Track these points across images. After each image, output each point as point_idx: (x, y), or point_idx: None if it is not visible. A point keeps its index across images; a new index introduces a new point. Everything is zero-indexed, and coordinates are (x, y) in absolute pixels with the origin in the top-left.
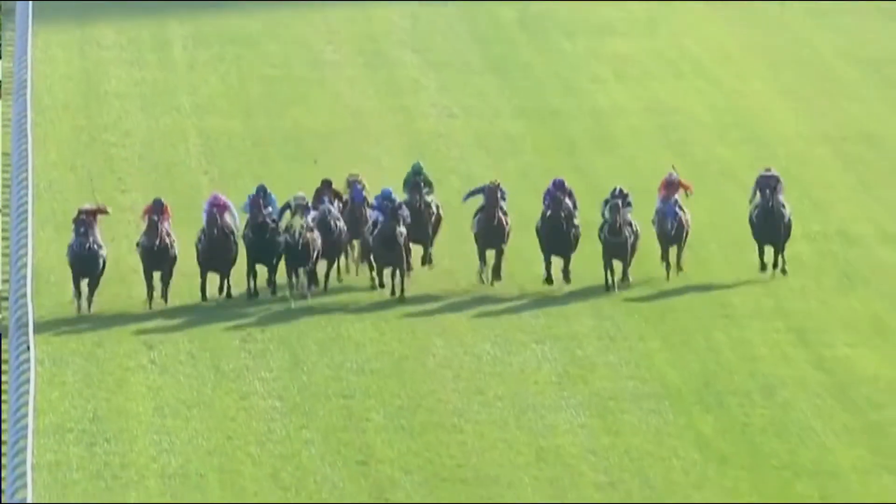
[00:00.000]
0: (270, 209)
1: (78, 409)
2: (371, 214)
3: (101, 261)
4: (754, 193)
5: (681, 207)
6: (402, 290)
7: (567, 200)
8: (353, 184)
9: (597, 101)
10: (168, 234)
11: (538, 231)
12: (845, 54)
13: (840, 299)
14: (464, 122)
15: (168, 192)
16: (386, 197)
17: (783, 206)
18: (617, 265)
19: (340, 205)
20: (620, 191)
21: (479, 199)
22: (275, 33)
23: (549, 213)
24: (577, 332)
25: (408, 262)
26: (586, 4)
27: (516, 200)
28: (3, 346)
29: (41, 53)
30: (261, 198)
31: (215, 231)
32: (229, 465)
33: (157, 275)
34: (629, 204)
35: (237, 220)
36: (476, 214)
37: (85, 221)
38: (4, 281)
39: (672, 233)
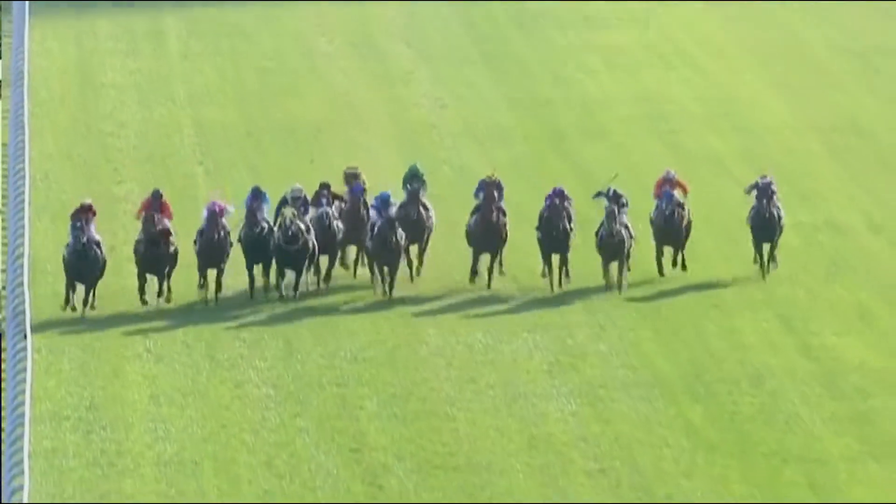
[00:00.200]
0: (266, 207)
1: (74, 398)
2: (371, 216)
3: (98, 260)
4: (751, 189)
5: (680, 204)
6: (391, 289)
7: (566, 205)
8: (352, 179)
9: (587, 92)
10: (168, 233)
11: (537, 235)
12: (834, 46)
13: (827, 288)
14: (455, 113)
15: (163, 183)
16: (384, 200)
17: (778, 208)
18: (614, 266)
19: (340, 205)
20: (615, 192)
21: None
22: (269, 25)
23: (546, 214)
24: (568, 321)
25: (408, 259)
26: None
27: (507, 191)
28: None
29: (38, 46)
30: (255, 204)
31: (214, 231)
32: (224, 453)
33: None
34: (625, 205)
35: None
36: (472, 214)
37: (81, 221)
38: (2, 271)
39: (671, 228)
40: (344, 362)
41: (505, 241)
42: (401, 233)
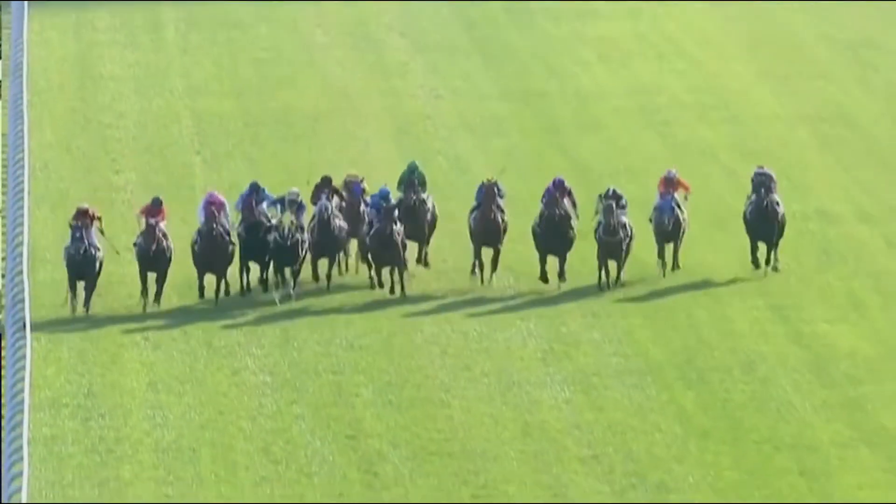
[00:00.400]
0: (265, 204)
1: (73, 385)
2: (369, 213)
3: (97, 263)
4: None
5: (678, 205)
6: (403, 288)
7: (565, 201)
8: (351, 184)
9: (581, 83)
10: (164, 237)
11: (534, 230)
12: (823, 37)
13: (818, 277)
14: (450, 104)
15: (161, 172)
16: (383, 196)
17: (777, 203)
18: (611, 265)
19: (340, 202)
20: (614, 191)
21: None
22: (265, 17)
23: (545, 212)
24: (561, 309)
25: (404, 261)
26: None
27: (501, 181)
28: None
29: (37, 37)
30: (253, 196)
31: (213, 231)
32: (221, 439)
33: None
34: (624, 206)
35: (229, 219)
36: (472, 212)
37: (81, 224)
38: (1, 259)
39: (669, 228)
40: (340, 350)
41: (504, 235)
42: (399, 228)
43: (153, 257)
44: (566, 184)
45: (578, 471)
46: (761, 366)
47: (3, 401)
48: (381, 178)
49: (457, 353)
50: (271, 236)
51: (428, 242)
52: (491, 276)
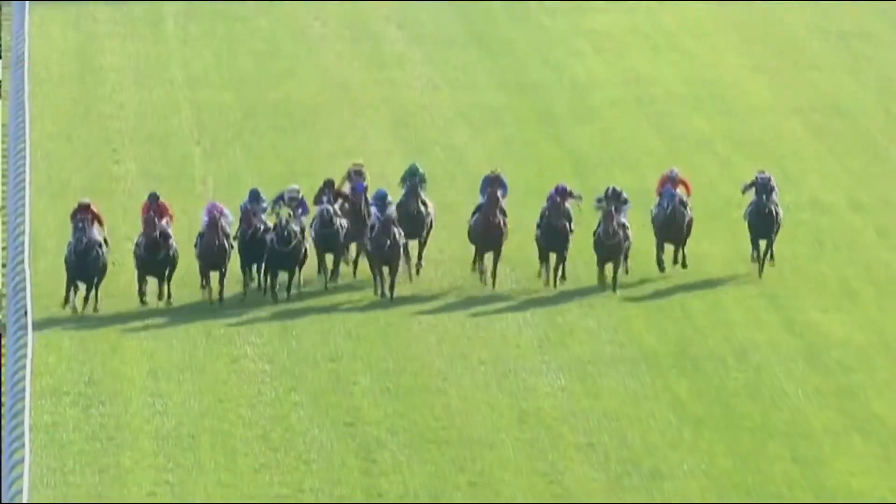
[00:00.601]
0: (262, 211)
1: (74, 373)
2: (373, 213)
3: (100, 261)
4: (749, 188)
5: (682, 202)
6: (392, 292)
7: (566, 206)
8: (355, 176)
9: (576, 75)
10: (166, 238)
11: (537, 238)
12: (815, 29)
13: (811, 266)
14: (447, 94)
15: (161, 162)
16: (380, 198)
17: (777, 205)
18: (608, 268)
19: (343, 204)
20: (614, 190)
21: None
22: (264, 9)
23: (548, 219)
24: (557, 298)
25: (407, 260)
26: None
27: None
28: (0, 311)
29: (37, 29)
30: (253, 206)
31: (215, 230)
32: (221, 427)
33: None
34: (625, 202)
35: (231, 226)
36: (473, 214)
37: (83, 221)
38: (2, 248)
39: (671, 223)
40: (338, 339)
41: (505, 238)
42: (398, 230)
43: (154, 262)
44: (569, 189)
45: (574, 458)
46: (755, 354)
47: (4, 388)
48: (379, 168)
49: (454, 341)
50: (269, 236)
51: (424, 246)
52: (493, 280)
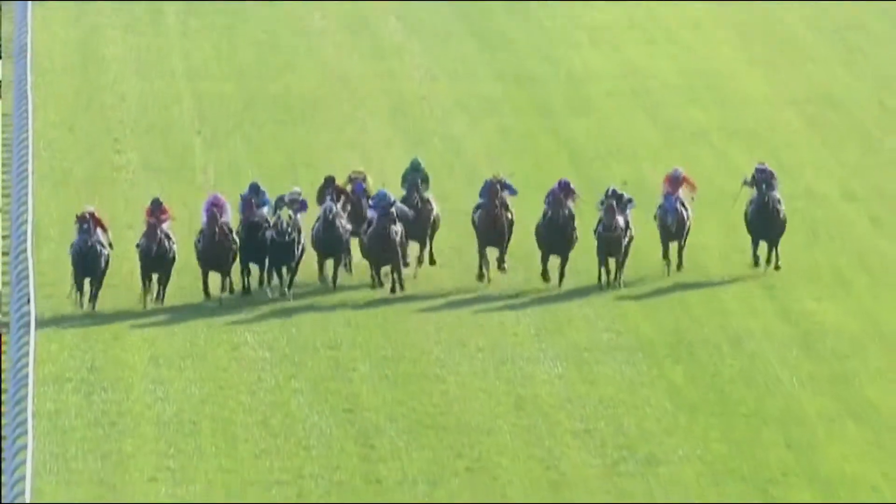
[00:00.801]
0: (266, 209)
1: (76, 360)
2: (369, 213)
3: (103, 259)
4: (751, 184)
5: (683, 204)
6: (401, 285)
7: (569, 202)
8: (355, 180)
9: (573, 66)
10: (167, 237)
11: (538, 231)
12: (809, 21)
13: (806, 255)
14: (445, 85)
15: (162, 153)
16: (381, 198)
17: (779, 201)
18: (612, 264)
19: (345, 202)
20: (614, 191)
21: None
22: (264, 2)
23: (549, 214)
24: (554, 287)
25: (404, 260)
26: None
27: (496, 162)
28: (3, 300)
29: (40, 20)
30: (253, 197)
31: (216, 230)
32: (221, 413)
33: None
34: (628, 202)
35: (230, 220)
36: (476, 210)
37: (88, 222)
38: (5, 237)
39: (673, 229)
40: (337, 326)
41: (510, 234)
42: (398, 228)
43: (155, 259)
44: (571, 185)
45: (570, 444)
46: (749, 342)
47: (7, 376)
48: (378, 160)
49: (452, 329)
50: (268, 234)
51: (429, 244)
52: (502, 267)
